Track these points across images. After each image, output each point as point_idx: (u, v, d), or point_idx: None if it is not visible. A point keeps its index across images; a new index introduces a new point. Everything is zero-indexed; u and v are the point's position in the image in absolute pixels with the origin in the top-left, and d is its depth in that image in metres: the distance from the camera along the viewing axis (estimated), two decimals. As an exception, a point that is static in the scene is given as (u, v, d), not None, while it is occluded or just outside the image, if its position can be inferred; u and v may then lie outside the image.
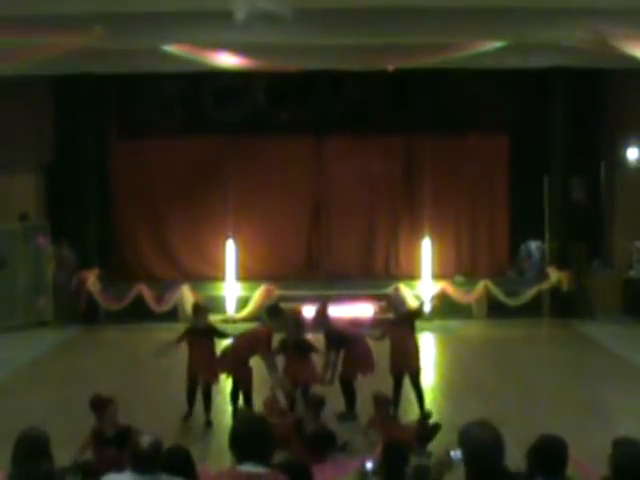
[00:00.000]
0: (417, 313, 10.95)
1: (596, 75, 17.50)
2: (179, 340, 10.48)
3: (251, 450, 4.34)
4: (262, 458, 4.35)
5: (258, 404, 10.00)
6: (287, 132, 18.59)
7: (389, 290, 16.77)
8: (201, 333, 10.31)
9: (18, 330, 16.34)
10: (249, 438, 4.38)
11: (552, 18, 12.44)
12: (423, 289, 17.54)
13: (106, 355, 14.61)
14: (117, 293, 17.13)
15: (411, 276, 18.47)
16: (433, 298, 16.30)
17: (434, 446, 8.81)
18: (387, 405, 9.23)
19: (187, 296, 16.98)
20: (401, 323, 10.28)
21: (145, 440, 4.95)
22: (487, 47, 14.18)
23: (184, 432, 9.74)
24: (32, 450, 4.80)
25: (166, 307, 16.91)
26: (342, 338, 10.36)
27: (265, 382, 10.24)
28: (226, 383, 10.77)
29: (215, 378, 10.30)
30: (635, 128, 17.99)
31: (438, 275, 18.39)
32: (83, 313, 17.28)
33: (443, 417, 10.78)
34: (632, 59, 12.74)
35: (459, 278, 18.30)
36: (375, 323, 11.57)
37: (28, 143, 17.67)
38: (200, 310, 10.72)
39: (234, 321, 12.42)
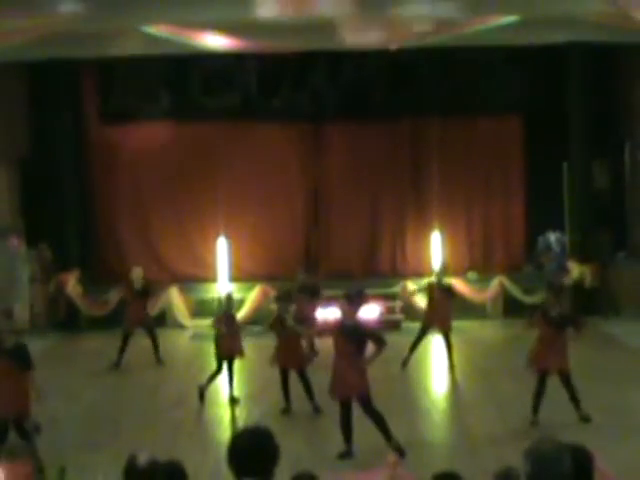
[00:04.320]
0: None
1: (616, 50, 17.51)
2: (218, 322, 12.39)
3: (251, 465, 4.35)
4: (262, 473, 4.36)
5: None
6: (282, 118, 18.65)
7: (397, 289, 16.91)
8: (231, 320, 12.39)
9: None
10: (248, 452, 4.38)
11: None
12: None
13: (88, 366, 14.47)
14: (100, 297, 17.01)
15: (419, 273, 18.42)
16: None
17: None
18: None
19: (175, 299, 17.00)
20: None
21: (141, 458, 5.02)
22: (500, 22, 14.22)
23: (177, 451, 9.77)
24: None
25: (153, 312, 16.51)
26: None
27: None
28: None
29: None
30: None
31: (449, 271, 18.38)
32: (63, 320, 17.20)
33: (457, 426, 10.90)
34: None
35: (472, 274, 18.36)
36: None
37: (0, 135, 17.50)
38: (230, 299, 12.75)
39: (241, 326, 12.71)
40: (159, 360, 14.35)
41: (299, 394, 11.41)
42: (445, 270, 14.86)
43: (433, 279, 14.50)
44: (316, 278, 15.79)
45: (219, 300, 14.17)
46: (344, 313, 9.84)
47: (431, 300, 14.11)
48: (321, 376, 10.96)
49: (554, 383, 10.66)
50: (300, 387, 11.42)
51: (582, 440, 5.12)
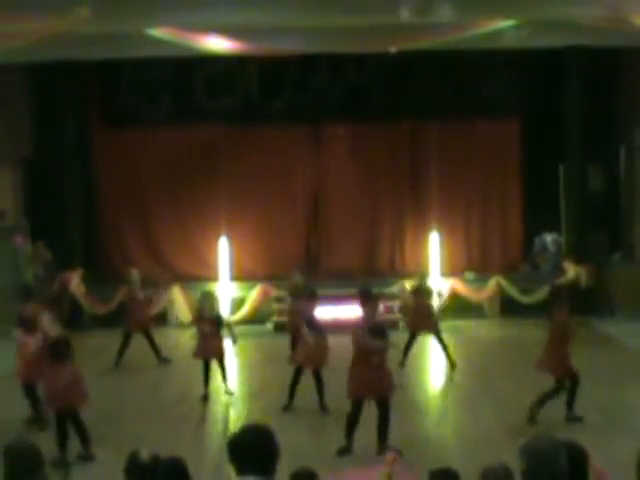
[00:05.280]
0: None
1: (613, 54, 17.55)
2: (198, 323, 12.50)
3: (252, 462, 4.38)
4: (263, 471, 4.39)
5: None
6: (283, 120, 18.70)
7: (395, 289, 16.91)
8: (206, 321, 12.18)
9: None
10: (249, 450, 4.42)
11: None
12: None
13: (92, 363, 14.32)
14: (103, 296, 17.13)
15: (418, 273, 18.42)
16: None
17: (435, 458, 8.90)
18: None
19: (177, 299, 17.04)
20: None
21: (144, 454, 5.06)
22: (498, 26, 14.26)
23: (178, 447, 9.81)
24: (25, 465, 4.80)
25: (155, 310, 16.55)
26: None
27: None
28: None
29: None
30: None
31: (447, 271, 18.45)
32: (66, 318, 17.11)
33: (454, 425, 10.94)
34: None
35: (469, 274, 18.39)
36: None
37: (4, 136, 17.59)
38: (206, 299, 12.49)
39: (228, 325, 12.54)
40: (161, 360, 14.30)
41: (300, 393, 11.43)
42: (425, 274, 14.76)
43: (414, 283, 14.50)
44: (310, 279, 15.29)
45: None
46: (367, 313, 9.85)
47: (414, 304, 14.21)
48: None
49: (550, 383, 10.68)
50: (303, 386, 11.39)
51: (578, 438, 5.16)
